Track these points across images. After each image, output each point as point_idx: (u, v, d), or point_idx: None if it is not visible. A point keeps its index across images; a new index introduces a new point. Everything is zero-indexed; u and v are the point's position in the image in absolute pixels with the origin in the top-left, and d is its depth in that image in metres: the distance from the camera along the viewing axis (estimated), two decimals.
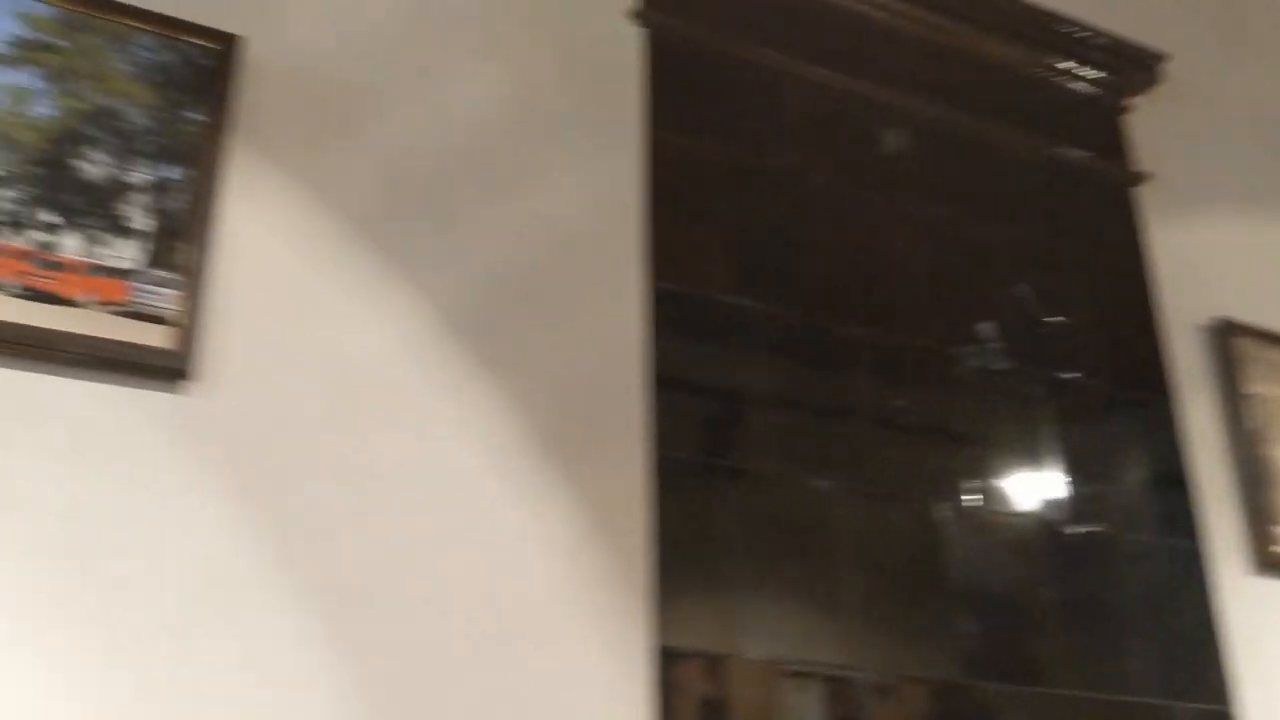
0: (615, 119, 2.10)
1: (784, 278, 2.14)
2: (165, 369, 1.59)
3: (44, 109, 1.63)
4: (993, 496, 2.20)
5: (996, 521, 2.20)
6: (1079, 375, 2.36)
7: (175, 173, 1.68)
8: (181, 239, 1.64)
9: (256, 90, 1.80)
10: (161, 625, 1.48)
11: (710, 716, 1.83)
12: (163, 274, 1.62)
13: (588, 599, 1.75)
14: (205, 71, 1.74)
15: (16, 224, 1.57)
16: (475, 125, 1.97)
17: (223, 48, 1.77)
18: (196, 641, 1.49)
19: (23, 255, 1.56)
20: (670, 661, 1.79)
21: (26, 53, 1.65)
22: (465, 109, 1.97)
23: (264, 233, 1.73)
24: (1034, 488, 2.22)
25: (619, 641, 1.75)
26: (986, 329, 2.27)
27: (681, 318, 2.01)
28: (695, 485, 1.94)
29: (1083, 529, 2.24)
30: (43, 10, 1.67)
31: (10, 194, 1.58)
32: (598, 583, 1.77)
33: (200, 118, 1.72)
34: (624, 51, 2.16)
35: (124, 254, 1.62)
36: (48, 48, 1.66)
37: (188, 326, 1.60)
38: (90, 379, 1.57)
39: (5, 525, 1.45)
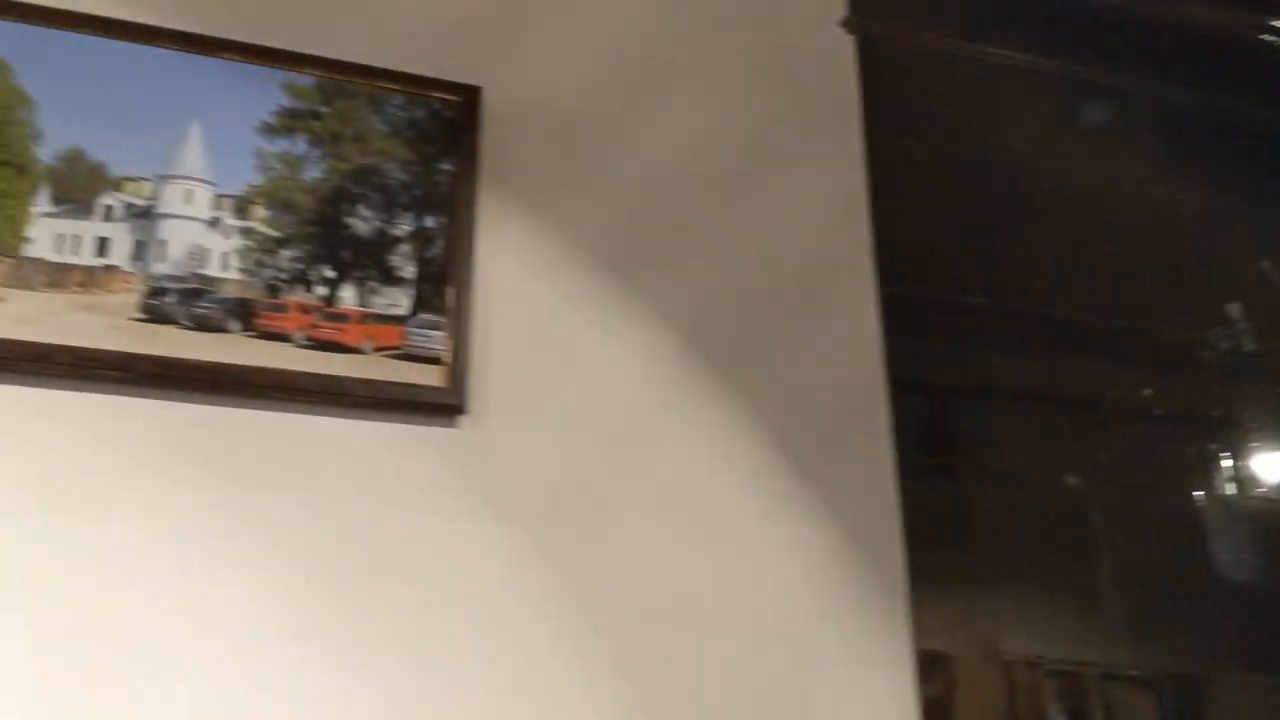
0: (835, 127, 2.12)
1: (1016, 272, 2.11)
2: (441, 406, 1.69)
3: (314, 172, 1.76)
4: (1249, 482, 2.12)
5: (1255, 508, 2.11)
6: None
7: (433, 221, 1.79)
8: (444, 283, 1.74)
9: (498, 136, 1.89)
10: (445, 644, 1.58)
11: (974, 718, 1.83)
12: (430, 317, 1.73)
13: (847, 607, 1.78)
14: (451, 123, 1.85)
15: (299, 280, 1.70)
16: (702, 147, 2.02)
17: (464, 99, 1.87)
18: (477, 658, 1.58)
19: (307, 309, 1.69)
20: (931, 664, 1.79)
21: (294, 121, 1.78)
22: (691, 132, 2.02)
23: (516, 270, 1.82)
24: None
25: (880, 648, 1.77)
26: (1233, 309, 2.18)
27: (916, 321, 2.01)
28: (943, 487, 1.94)
29: None
30: (304, 80, 1.80)
31: (291, 253, 1.71)
32: (855, 590, 1.79)
33: (450, 167, 1.83)
34: (837, 60, 2.18)
35: (395, 301, 1.73)
36: (312, 115, 1.79)
37: (456, 365, 1.70)
38: (373, 419, 1.68)
39: (313, 554, 1.57)
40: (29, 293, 1.57)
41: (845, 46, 2.20)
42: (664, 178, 1.98)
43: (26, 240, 1.60)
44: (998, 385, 2.01)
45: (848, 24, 2.18)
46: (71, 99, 1.68)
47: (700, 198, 1.99)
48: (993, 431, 2.00)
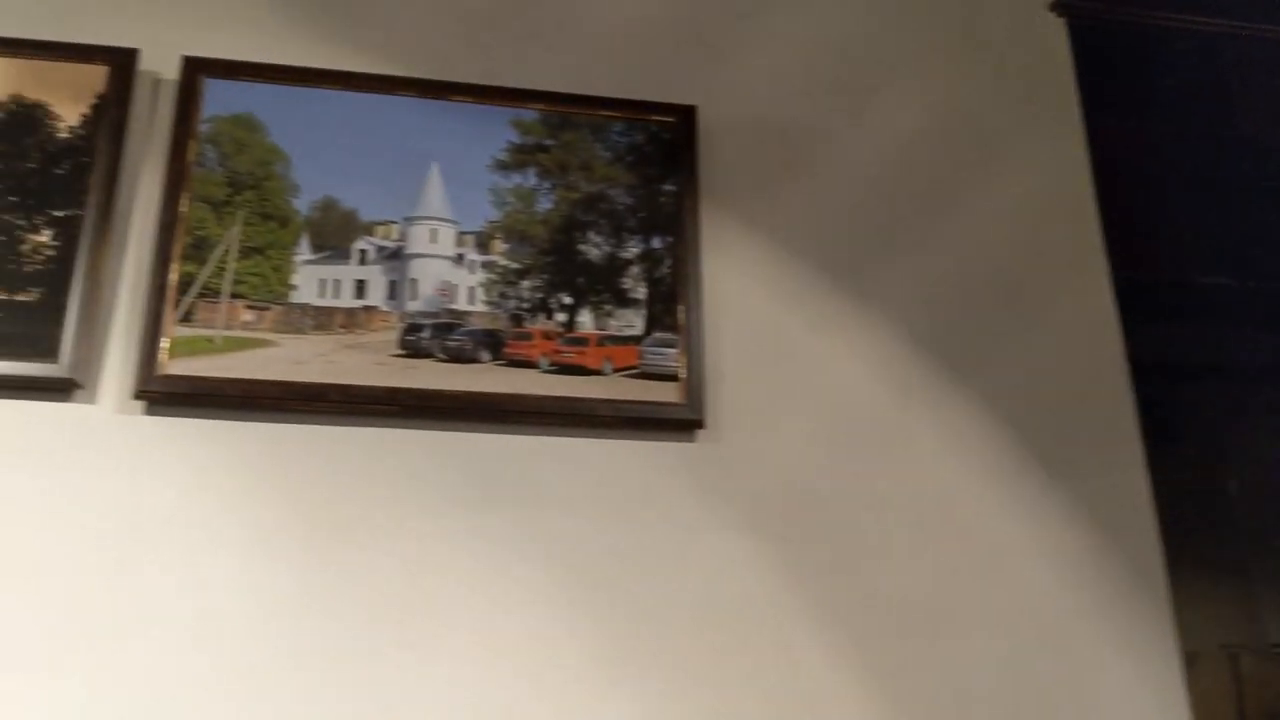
0: (1051, 112, 2.08)
1: (1258, 250, 2.02)
2: (680, 421, 1.73)
3: (545, 203, 1.83)
4: None
5: None
6: None
7: (659, 242, 1.83)
8: (674, 301, 1.79)
9: (714, 152, 1.93)
10: (706, 656, 1.62)
11: (1244, 711, 1.76)
12: (664, 335, 1.77)
13: (1107, 604, 1.74)
14: (670, 144, 1.89)
15: (540, 309, 1.77)
16: (915, 143, 2.01)
17: (681, 119, 1.91)
18: (738, 670, 1.62)
19: (549, 335, 1.76)
20: (1196, 660, 1.73)
21: (523, 156, 1.85)
22: (903, 131, 2.02)
23: (742, 283, 1.85)
24: None
25: (1145, 645, 1.73)
26: None
27: (1152, 304, 1.95)
28: (1194, 476, 1.87)
29: None
30: (530, 115, 1.87)
31: (531, 283, 1.78)
32: (1113, 586, 1.75)
33: (672, 187, 1.87)
34: (1048, 45, 2.13)
35: (629, 322, 1.78)
36: (540, 148, 1.86)
37: (692, 381, 1.74)
38: (616, 438, 1.73)
39: (572, 569, 1.63)
40: (299, 336, 1.69)
41: (1056, 30, 2.15)
42: (880, 178, 1.98)
43: (293, 288, 1.72)
44: (1249, 367, 1.93)
45: (1056, 7, 2.13)
46: (321, 151, 1.79)
47: (918, 195, 1.98)
48: (1247, 416, 1.92)
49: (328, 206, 1.77)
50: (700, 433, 1.75)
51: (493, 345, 1.73)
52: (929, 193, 1.98)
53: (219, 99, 1.78)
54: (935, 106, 2.05)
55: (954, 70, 2.08)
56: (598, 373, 1.74)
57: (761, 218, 1.92)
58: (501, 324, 1.75)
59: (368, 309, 1.73)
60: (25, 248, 1.66)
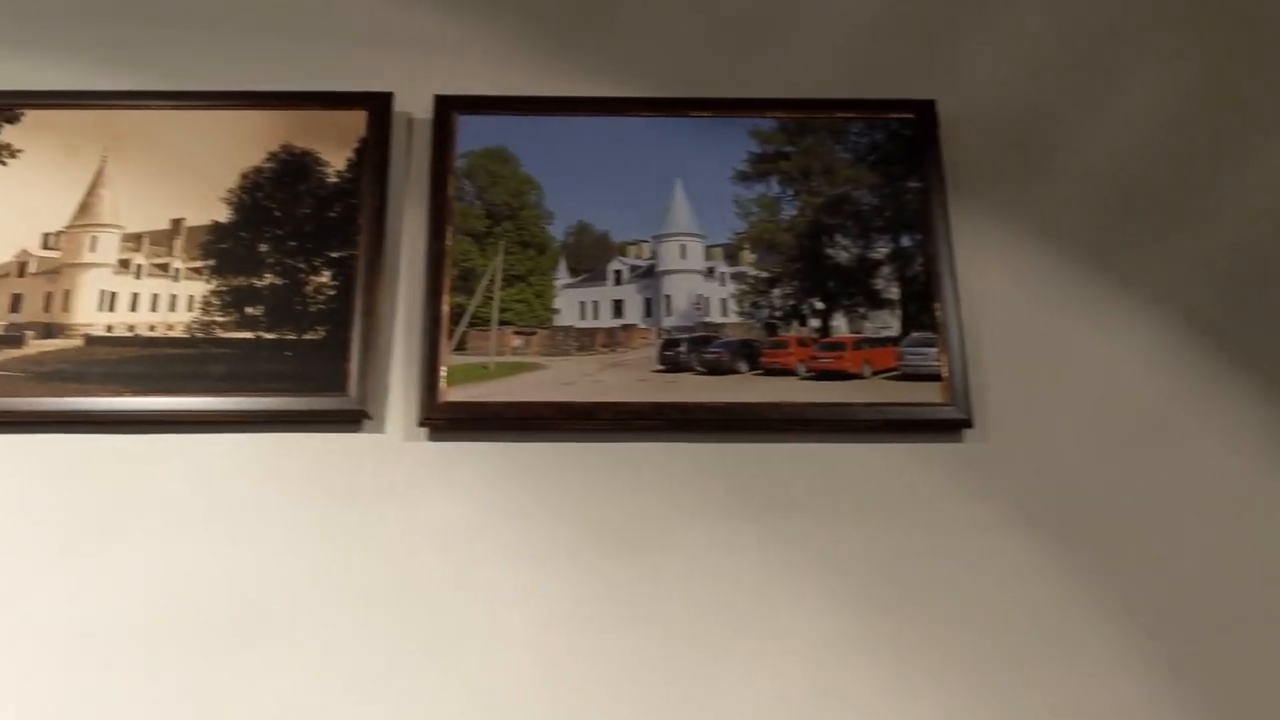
0: None
1: None
2: (946, 422, 1.71)
3: (790, 210, 1.83)
4: None
5: None
6: None
7: (909, 240, 1.81)
8: (930, 299, 1.76)
9: (956, 146, 1.89)
10: (997, 661, 1.59)
11: None
12: (922, 335, 1.75)
13: None
14: (911, 141, 1.87)
15: (793, 316, 1.77)
16: (1168, 124, 1.93)
17: (920, 115, 1.88)
18: (1030, 675, 1.59)
19: (804, 342, 1.76)
20: None
21: (764, 165, 1.86)
22: (1153, 110, 1.94)
23: (997, 277, 1.82)
24: None
25: None
26: None
27: None
28: None
29: None
30: (767, 124, 1.88)
31: (782, 291, 1.79)
32: None
33: (917, 184, 1.84)
34: None
35: (885, 324, 1.77)
36: (780, 156, 1.86)
37: (955, 380, 1.71)
38: (880, 441, 1.72)
39: (845, 575, 1.64)
40: (565, 358, 1.74)
41: None
42: (1133, 161, 1.91)
43: (555, 311, 1.77)
44: None
45: None
46: (571, 177, 1.84)
47: (1175, 176, 1.90)
48: None
49: (581, 230, 1.82)
50: (967, 433, 1.72)
51: (749, 355, 1.74)
52: (1188, 172, 1.90)
53: (471, 134, 1.85)
54: (1186, 82, 1.97)
55: (1202, 43, 1.99)
56: (857, 376, 1.73)
57: (1011, 208, 1.88)
58: (756, 333, 1.76)
59: (626, 327, 1.77)
60: (309, 289, 1.76)
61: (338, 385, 1.69)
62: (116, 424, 1.69)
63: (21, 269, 1.76)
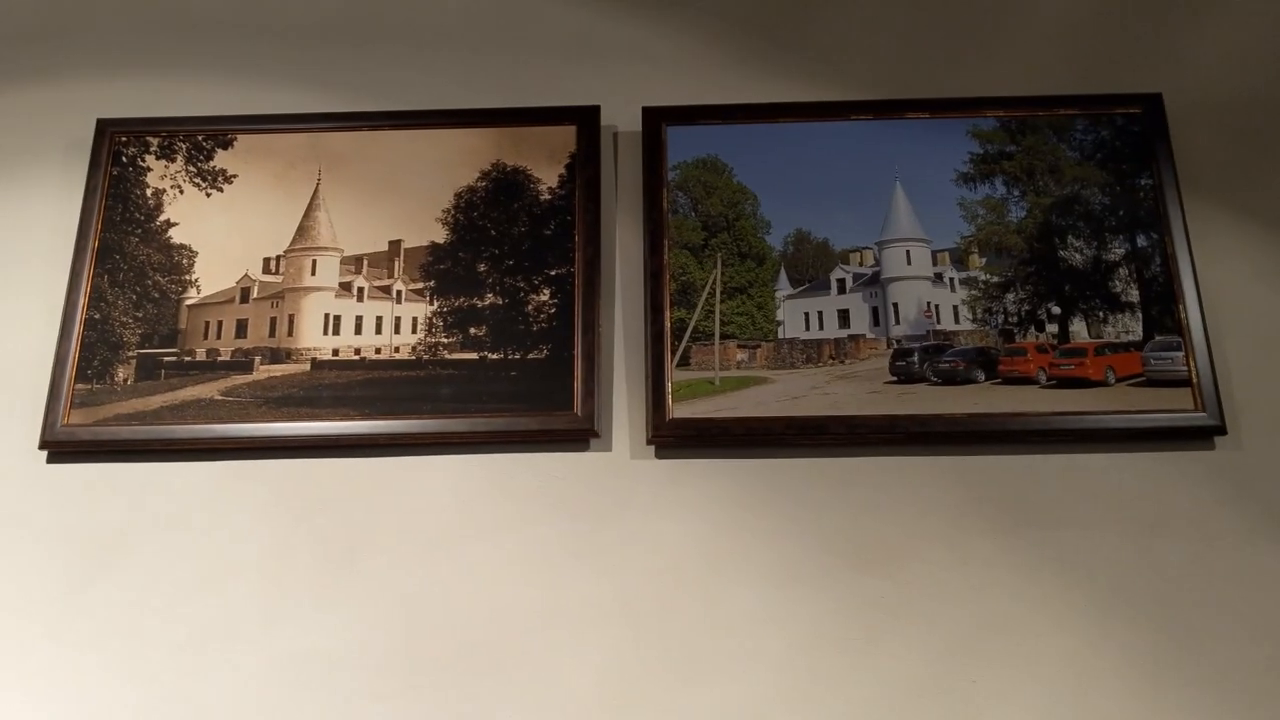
0: None
1: None
2: (1197, 429, 1.62)
3: (1017, 212, 1.76)
4: None
5: None
6: None
7: (1144, 239, 1.73)
8: (1172, 301, 1.68)
9: (1186, 140, 1.81)
10: (1236, 662, 1.51)
11: None
12: (1165, 339, 1.67)
13: None
14: (1139, 136, 1.78)
15: (1029, 321, 1.70)
16: None
17: (1146, 109, 1.80)
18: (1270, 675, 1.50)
19: (1042, 349, 1.68)
20: None
21: (987, 166, 1.79)
22: None
23: (1239, 275, 1.74)
24: None
25: None
26: None
27: None
28: None
29: None
30: (987, 124, 1.81)
31: (1015, 296, 1.72)
32: None
33: (1148, 181, 1.76)
34: None
35: (1126, 327, 1.69)
36: (1003, 156, 1.79)
37: (1203, 384, 1.63)
38: (1126, 450, 1.64)
39: (1101, 588, 1.57)
40: (792, 371, 1.69)
41: None
42: None
43: (778, 323, 1.73)
44: None
45: None
46: (786, 185, 1.79)
47: None
48: None
49: (800, 240, 1.77)
50: (1220, 439, 1.63)
51: (986, 364, 1.68)
52: None
53: (681, 145, 1.81)
54: None
55: None
56: (1100, 383, 1.65)
57: (1247, 201, 1.79)
58: (991, 340, 1.69)
59: (854, 338, 1.71)
60: (529, 308, 1.74)
61: (564, 404, 1.67)
62: (348, 448, 1.68)
63: (245, 295, 1.77)
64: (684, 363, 1.70)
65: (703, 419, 1.66)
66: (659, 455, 1.68)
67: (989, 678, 1.53)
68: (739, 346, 1.72)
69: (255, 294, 1.78)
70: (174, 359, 1.74)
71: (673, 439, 1.66)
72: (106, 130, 1.88)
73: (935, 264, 1.75)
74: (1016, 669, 1.53)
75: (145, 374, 1.73)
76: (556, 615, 1.58)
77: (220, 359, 1.74)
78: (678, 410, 1.67)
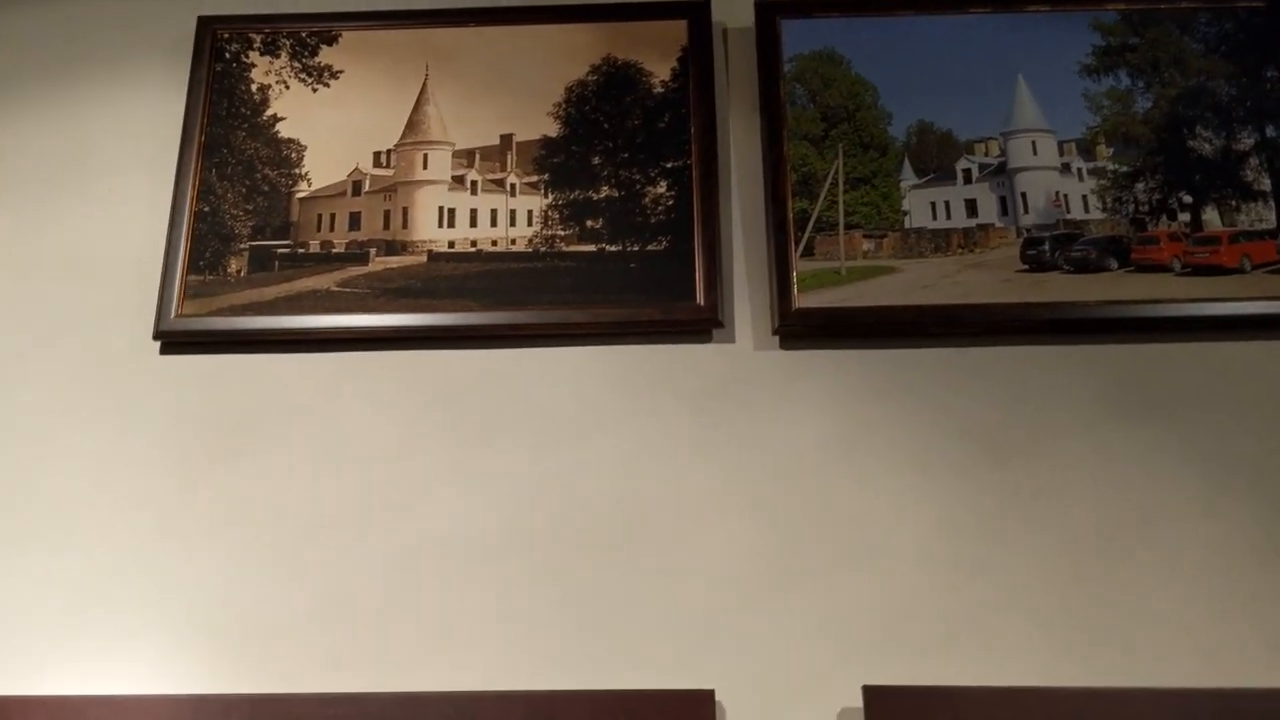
0: None
1: None
2: None
3: (1143, 103, 1.73)
4: None
5: None
6: None
7: (1273, 130, 1.70)
8: None
9: None
10: None
11: None
12: None
13: None
14: (1263, 29, 1.75)
15: (1161, 210, 1.66)
16: None
17: (1271, 3, 1.77)
18: None
19: (1175, 237, 1.65)
20: None
21: (1110, 58, 1.76)
22: None
23: None
24: None
25: None
26: None
27: None
28: None
29: None
30: (1108, 17, 1.78)
31: (1145, 185, 1.69)
32: None
33: (1275, 73, 1.73)
34: None
35: (1259, 216, 1.65)
36: (1126, 48, 1.76)
37: None
38: (1262, 338, 1.61)
39: (1228, 472, 1.53)
40: (920, 260, 1.66)
41: None
42: None
43: (904, 213, 1.69)
44: None
45: None
46: (906, 77, 1.76)
47: None
48: None
49: (923, 130, 1.73)
50: None
51: (1118, 252, 1.64)
52: None
53: (796, 38, 1.78)
54: None
55: None
56: (1236, 271, 1.62)
57: None
58: (1122, 229, 1.66)
59: (982, 227, 1.68)
60: (646, 200, 1.70)
61: (686, 294, 1.64)
62: (467, 339, 1.65)
63: (356, 188, 1.74)
64: (808, 253, 1.67)
65: (831, 308, 1.63)
66: (784, 346, 1.65)
67: (1127, 567, 1.50)
68: (864, 236, 1.69)
69: (367, 187, 1.75)
70: (287, 251, 1.71)
71: (799, 329, 1.63)
72: (208, 27, 1.84)
73: (1061, 154, 1.72)
74: (1156, 559, 1.50)
75: (259, 266, 1.69)
76: (687, 505, 1.55)
77: (334, 251, 1.70)
78: (804, 300, 1.63)
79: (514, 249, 1.69)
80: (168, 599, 1.50)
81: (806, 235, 1.67)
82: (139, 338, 1.66)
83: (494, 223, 1.71)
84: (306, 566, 1.52)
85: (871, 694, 1.40)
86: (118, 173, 1.78)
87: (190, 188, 1.71)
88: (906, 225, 1.69)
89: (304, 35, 1.82)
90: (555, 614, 1.49)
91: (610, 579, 1.50)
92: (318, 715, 1.41)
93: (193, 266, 1.68)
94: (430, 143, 1.75)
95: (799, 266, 1.65)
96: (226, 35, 1.82)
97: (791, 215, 1.67)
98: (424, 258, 1.69)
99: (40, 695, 1.43)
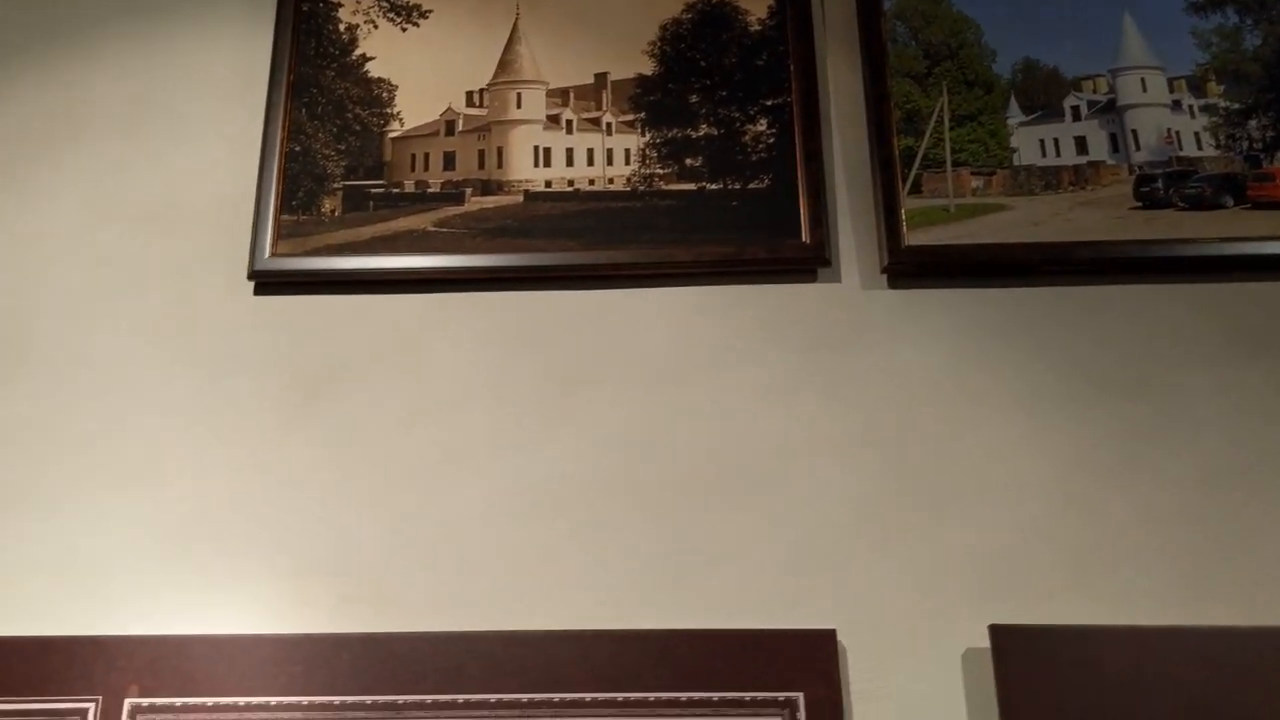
0: None
1: None
2: None
3: (1252, 40, 1.68)
4: None
5: None
6: None
7: None
8: None
9: None
10: None
11: None
12: None
13: None
14: None
15: (1274, 147, 1.63)
16: None
17: None
18: None
19: None
20: None
21: None
22: None
23: None
24: None
25: None
26: None
27: None
28: None
29: None
30: None
31: (1258, 122, 1.65)
32: None
33: None
34: None
35: None
36: None
37: None
38: None
39: None
40: (1030, 198, 1.62)
41: None
42: None
43: (1013, 150, 1.65)
44: None
45: None
46: (1010, 15, 1.72)
47: None
48: None
49: (1028, 68, 1.70)
50: None
51: (1234, 189, 1.61)
52: None
53: None
54: None
55: None
56: None
57: None
58: (1236, 166, 1.62)
59: (1093, 164, 1.64)
60: (747, 139, 1.67)
61: (791, 232, 1.60)
62: (566, 279, 1.61)
63: (450, 127, 1.70)
64: (915, 191, 1.63)
65: (942, 245, 1.59)
66: (892, 285, 1.61)
67: (1256, 504, 1.46)
68: (972, 173, 1.65)
69: (461, 127, 1.71)
70: (381, 191, 1.67)
71: (909, 267, 1.59)
72: None
73: (1171, 91, 1.68)
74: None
75: (353, 206, 1.66)
76: (796, 446, 1.52)
77: (430, 191, 1.67)
78: (913, 238, 1.59)
79: (612, 188, 1.65)
80: (271, 539, 1.47)
81: (913, 173, 1.63)
82: (233, 279, 1.63)
83: (590, 162, 1.67)
84: (408, 508, 1.49)
85: (999, 633, 1.36)
86: (203, 114, 1.74)
87: (280, 128, 1.68)
88: (1015, 162, 1.65)
89: None
90: (665, 555, 1.45)
91: (721, 521, 1.47)
92: (429, 653, 1.38)
93: (285, 206, 1.64)
94: (523, 82, 1.72)
95: (907, 204, 1.60)
96: None
97: (897, 152, 1.64)
98: (520, 197, 1.66)
99: (145, 635, 1.39)
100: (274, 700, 1.35)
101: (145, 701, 1.35)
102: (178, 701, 1.35)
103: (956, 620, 1.40)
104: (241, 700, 1.35)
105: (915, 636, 1.40)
